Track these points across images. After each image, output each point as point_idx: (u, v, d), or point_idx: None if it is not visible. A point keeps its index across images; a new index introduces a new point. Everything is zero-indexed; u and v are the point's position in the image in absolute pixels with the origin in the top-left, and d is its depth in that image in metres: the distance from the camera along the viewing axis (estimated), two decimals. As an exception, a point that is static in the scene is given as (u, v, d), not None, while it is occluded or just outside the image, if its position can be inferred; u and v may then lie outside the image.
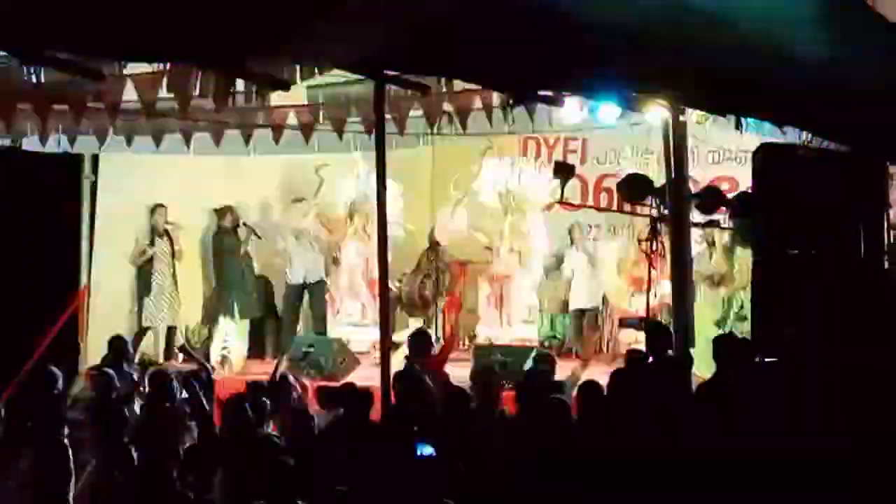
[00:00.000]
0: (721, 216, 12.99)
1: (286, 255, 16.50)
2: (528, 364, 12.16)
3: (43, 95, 12.58)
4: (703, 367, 10.57)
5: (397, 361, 11.48)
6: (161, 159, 15.58)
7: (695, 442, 8.71)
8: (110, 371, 11.24)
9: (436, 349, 12.97)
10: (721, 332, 12.14)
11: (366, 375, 12.67)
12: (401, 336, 14.55)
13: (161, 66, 11.79)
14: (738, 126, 12.65)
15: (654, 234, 12.30)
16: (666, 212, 11.86)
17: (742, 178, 13.70)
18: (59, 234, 15.57)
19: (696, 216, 12.51)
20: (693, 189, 12.49)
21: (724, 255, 14.33)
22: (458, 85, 13.21)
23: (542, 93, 11.43)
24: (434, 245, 16.47)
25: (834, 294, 9.47)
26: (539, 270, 16.26)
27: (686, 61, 8.58)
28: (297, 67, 11.36)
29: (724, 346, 9.85)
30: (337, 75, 12.72)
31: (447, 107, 14.37)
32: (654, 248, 12.28)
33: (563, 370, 11.78)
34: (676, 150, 11.68)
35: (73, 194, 15.91)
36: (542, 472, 8.67)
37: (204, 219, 16.58)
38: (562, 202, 13.50)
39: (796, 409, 8.57)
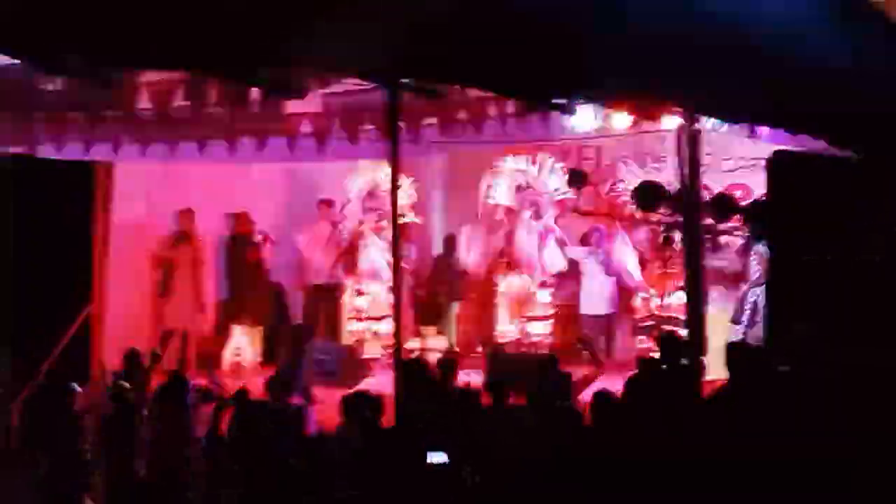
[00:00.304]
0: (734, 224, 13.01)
1: (303, 262, 16.53)
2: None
3: (58, 103, 12.62)
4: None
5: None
6: (175, 167, 15.60)
7: (707, 449, 8.71)
8: (123, 383, 11.23)
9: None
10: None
11: (378, 381, 12.68)
12: (413, 344, 14.63)
13: (176, 74, 11.83)
14: (751, 134, 12.67)
15: (667, 241, 12.31)
16: (679, 219, 11.86)
17: (755, 186, 13.71)
18: (73, 241, 15.56)
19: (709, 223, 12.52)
20: (706, 196, 12.49)
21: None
22: (472, 93, 13.22)
23: (555, 100, 11.45)
24: (449, 251, 16.48)
25: (847, 300, 9.46)
26: (553, 273, 16.23)
27: (700, 69, 8.59)
28: (312, 75, 11.39)
29: (736, 353, 9.85)
30: (351, 83, 12.74)
31: (461, 115, 14.38)
32: (667, 255, 12.29)
33: (575, 376, 11.78)
34: (690, 157, 11.69)
35: (87, 202, 15.92)
36: (555, 478, 8.68)
37: (218, 226, 16.59)
38: (576, 209, 13.52)
39: (809, 415, 8.56)
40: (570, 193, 14.92)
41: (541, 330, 15.90)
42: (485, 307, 16.56)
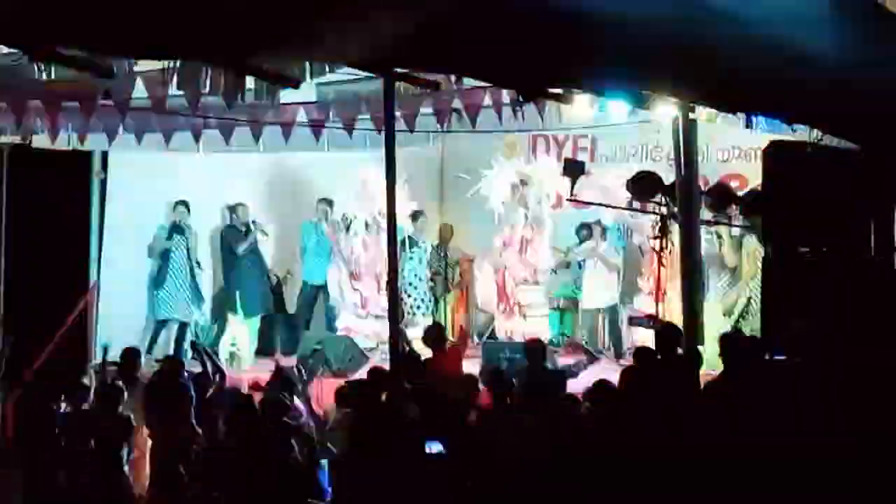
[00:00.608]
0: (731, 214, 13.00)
1: (300, 255, 16.52)
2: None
3: (53, 92, 12.60)
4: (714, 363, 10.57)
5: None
6: (170, 156, 15.59)
7: (703, 440, 8.71)
8: (119, 384, 11.18)
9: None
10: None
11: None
12: (410, 334, 14.61)
13: (171, 63, 11.80)
14: (747, 124, 12.65)
15: (663, 232, 12.29)
16: (675, 210, 11.86)
17: (751, 176, 13.70)
18: (69, 231, 15.57)
19: (705, 214, 12.51)
20: (702, 187, 12.48)
21: (733, 248, 14.29)
22: (468, 82, 13.21)
23: (551, 90, 11.43)
24: (443, 241, 16.47)
25: (843, 292, 9.45)
26: (549, 267, 16.23)
27: (696, 59, 8.57)
28: (307, 65, 11.37)
29: (731, 344, 9.85)
30: (347, 73, 12.71)
31: (457, 104, 14.38)
32: (663, 246, 12.28)
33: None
34: (686, 147, 11.68)
35: (82, 192, 15.91)
36: (552, 468, 8.68)
37: (214, 216, 16.58)
38: (571, 199, 13.51)
39: (804, 408, 8.56)
40: (566, 189, 14.90)
41: (536, 319, 15.92)
42: (479, 297, 16.61)
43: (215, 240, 16.58)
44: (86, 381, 11.22)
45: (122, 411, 10.38)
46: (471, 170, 16.63)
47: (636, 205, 13.09)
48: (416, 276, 16.24)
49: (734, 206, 12.89)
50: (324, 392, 12.65)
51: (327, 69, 11.93)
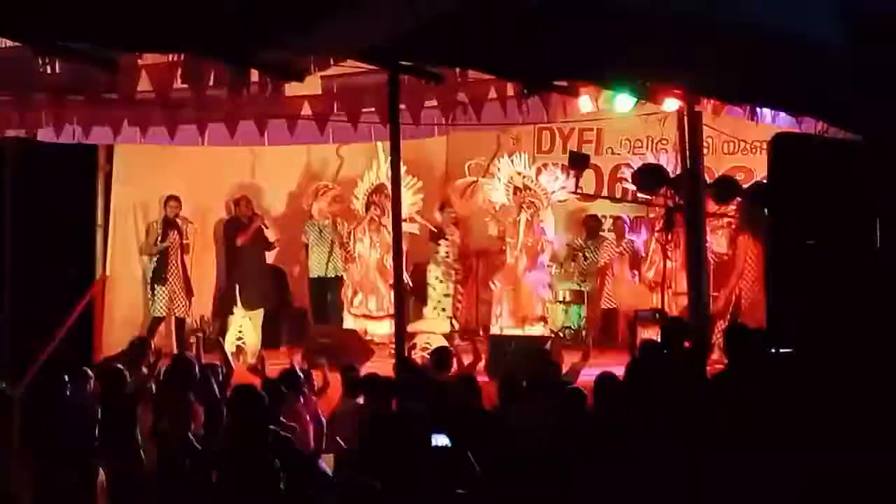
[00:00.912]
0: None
1: (307, 249, 16.54)
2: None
3: (58, 86, 12.59)
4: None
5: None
6: (175, 150, 15.58)
7: (707, 433, 8.71)
8: (121, 367, 11.17)
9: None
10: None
11: (381, 367, 12.66)
12: (415, 327, 14.62)
13: (176, 56, 11.79)
14: (752, 116, 12.64)
15: (668, 224, 12.28)
16: (681, 202, 11.85)
17: (757, 168, 13.69)
18: (74, 224, 15.59)
19: (710, 206, 12.50)
20: (708, 179, 12.47)
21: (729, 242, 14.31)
22: (473, 75, 13.18)
23: (556, 82, 11.42)
24: (443, 231, 16.47)
25: (849, 284, 9.43)
26: (554, 262, 16.23)
27: (701, 51, 8.56)
28: (312, 57, 11.35)
29: (735, 336, 9.83)
30: (352, 65, 12.69)
31: (461, 97, 14.35)
32: (668, 238, 12.27)
33: (566, 365, 11.74)
34: (691, 140, 11.67)
35: (87, 185, 15.92)
36: (555, 462, 8.67)
37: (219, 209, 16.59)
38: (577, 192, 13.51)
39: (809, 401, 8.55)
40: (570, 186, 14.89)
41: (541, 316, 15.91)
42: (484, 292, 16.59)
43: (218, 233, 16.59)
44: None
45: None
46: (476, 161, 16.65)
47: (641, 197, 13.08)
48: (441, 267, 16.27)
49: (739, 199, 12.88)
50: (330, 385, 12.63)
51: (332, 62, 11.92)
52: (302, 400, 10.78)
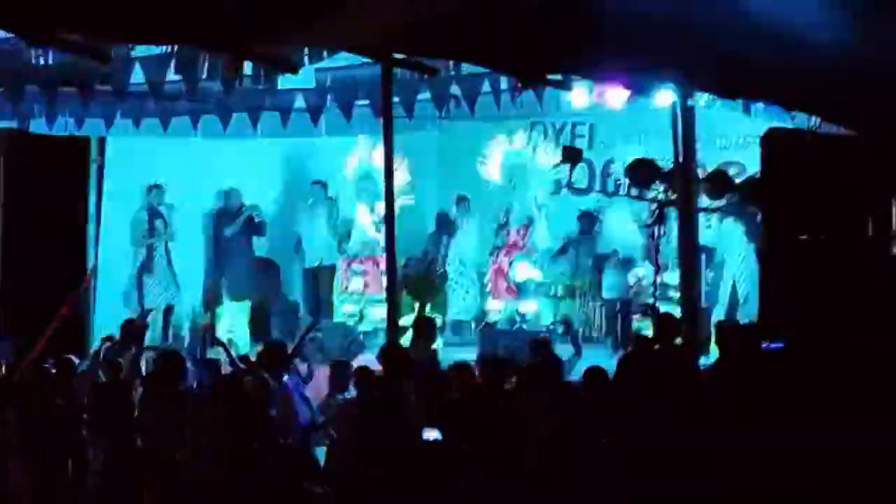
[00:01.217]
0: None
1: (298, 239, 16.54)
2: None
3: (50, 77, 12.58)
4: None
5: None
6: (168, 142, 15.56)
7: (698, 426, 8.72)
8: (119, 360, 11.18)
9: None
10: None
11: (371, 359, 12.65)
12: (407, 321, 14.60)
13: (169, 48, 11.78)
14: (746, 110, 12.64)
15: (660, 219, 12.26)
16: (673, 196, 11.84)
17: (749, 163, 13.68)
18: (66, 216, 15.56)
19: (703, 201, 12.49)
20: (700, 174, 12.46)
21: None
22: (466, 68, 13.18)
23: (550, 77, 11.41)
24: (442, 228, 16.48)
25: (841, 278, 9.44)
26: (546, 252, 16.22)
27: (694, 45, 8.56)
28: (306, 50, 11.34)
29: (725, 331, 9.85)
30: (345, 58, 12.69)
31: (455, 90, 14.34)
32: (660, 232, 12.25)
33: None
34: (684, 134, 11.66)
35: (79, 176, 15.90)
36: (549, 454, 8.69)
37: (210, 201, 16.58)
38: (569, 186, 13.51)
39: (801, 395, 8.56)
40: (564, 172, 14.86)
41: (530, 308, 15.91)
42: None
43: (208, 224, 16.59)
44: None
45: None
46: (469, 156, 16.63)
47: (634, 192, 13.07)
48: (460, 261, 16.28)
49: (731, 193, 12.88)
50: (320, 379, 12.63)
51: (326, 54, 11.91)
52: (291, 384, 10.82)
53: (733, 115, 13.67)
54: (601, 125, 16.76)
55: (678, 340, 10.60)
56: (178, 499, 9.46)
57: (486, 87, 14.01)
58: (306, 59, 11.56)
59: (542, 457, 8.71)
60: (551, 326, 15.82)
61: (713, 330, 11.34)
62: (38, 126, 14.50)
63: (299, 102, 14.89)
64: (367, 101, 14.22)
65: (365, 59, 11.72)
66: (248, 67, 12.34)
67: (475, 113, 14.65)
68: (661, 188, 12.11)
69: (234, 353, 12.10)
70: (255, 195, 16.60)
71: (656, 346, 10.58)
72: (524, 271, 16.04)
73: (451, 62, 12.64)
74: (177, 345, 14.88)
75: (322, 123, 15.46)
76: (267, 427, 9.56)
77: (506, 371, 10.43)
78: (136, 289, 15.83)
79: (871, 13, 8.85)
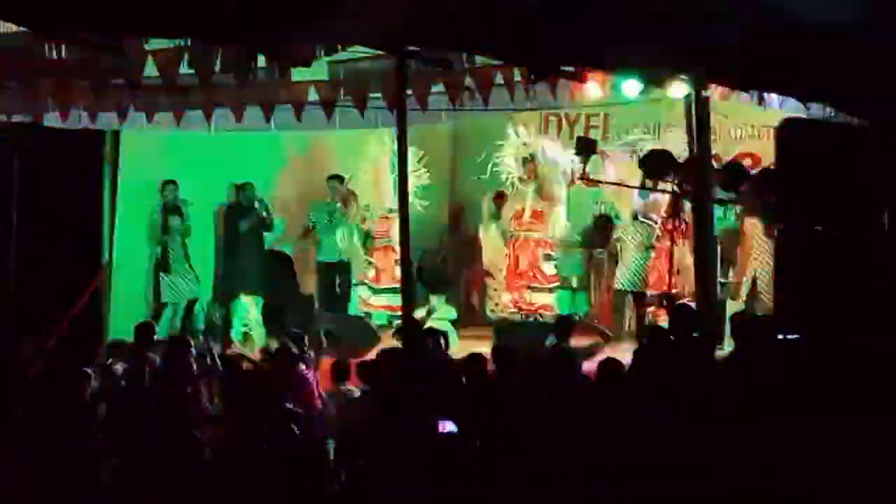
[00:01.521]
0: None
1: (315, 234, 16.54)
2: (548, 340, 12.14)
3: (64, 71, 12.58)
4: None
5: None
6: (181, 135, 15.55)
7: (713, 420, 8.70)
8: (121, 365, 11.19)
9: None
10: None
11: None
12: (420, 312, 14.60)
13: (182, 42, 11.77)
14: (760, 101, 12.59)
15: (675, 210, 12.24)
16: (688, 188, 11.80)
17: (764, 154, 13.64)
18: (80, 210, 15.58)
19: (718, 192, 12.45)
20: (715, 165, 12.43)
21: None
22: (480, 60, 13.15)
23: (564, 68, 11.38)
24: (456, 221, 16.48)
25: (856, 270, 9.42)
26: (560, 244, 16.21)
27: (709, 36, 8.54)
28: (320, 43, 11.31)
29: (741, 323, 9.82)
30: (358, 51, 12.66)
31: (468, 82, 14.30)
32: (676, 224, 12.23)
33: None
34: (699, 125, 11.61)
35: (93, 171, 15.91)
36: (562, 447, 8.68)
37: (224, 195, 16.59)
38: (583, 178, 13.47)
39: (815, 387, 8.54)
40: (578, 164, 14.83)
41: (544, 300, 15.87)
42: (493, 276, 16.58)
43: (219, 218, 16.60)
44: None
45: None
46: (483, 148, 16.61)
47: (648, 183, 13.03)
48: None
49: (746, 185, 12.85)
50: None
51: (339, 47, 11.88)
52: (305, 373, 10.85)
53: (747, 106, 13.64)
54: (615, 116, 16.74)
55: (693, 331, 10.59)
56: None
57: (499, 78, 13.98)
58: (320, 52, 11.52)
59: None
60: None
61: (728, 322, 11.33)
62: (51, 120, 14.50)
63: (312, 95, 14.87)
64: (380, 94, 14.21)
65: (378, 52, 11.69)
66: (261, 61, 12.29)
67: (488, 104, 14.63)
68: (676, 180, 12.09)
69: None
70: (269, 189, 16.60)
71: (671, 338, 10.57)
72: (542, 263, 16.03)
73: (464, 54, 12.60)
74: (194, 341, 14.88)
75: (335, 116, 15.44)
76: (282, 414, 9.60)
77: (517, 364, 10.44)
78: (150, 286, 15.85)
79: (886, 2, 8.82)
